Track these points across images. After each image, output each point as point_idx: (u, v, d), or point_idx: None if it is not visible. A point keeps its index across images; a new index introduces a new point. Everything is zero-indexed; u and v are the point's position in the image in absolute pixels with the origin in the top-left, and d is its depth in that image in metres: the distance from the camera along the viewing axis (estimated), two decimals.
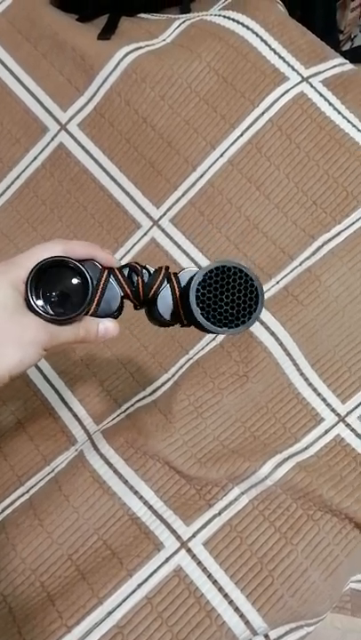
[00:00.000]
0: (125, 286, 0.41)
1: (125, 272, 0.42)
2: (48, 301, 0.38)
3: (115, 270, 0.41)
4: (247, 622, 0.52)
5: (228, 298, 0.38)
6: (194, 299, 0.37)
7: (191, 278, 0.40)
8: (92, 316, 0.40)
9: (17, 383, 0.68)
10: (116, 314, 0.43)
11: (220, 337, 0.66)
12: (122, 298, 0.41)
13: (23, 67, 0.76)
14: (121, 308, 0.43)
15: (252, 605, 0.53)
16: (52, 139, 0.75)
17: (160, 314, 0.42)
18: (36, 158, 0.75)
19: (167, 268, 0.42)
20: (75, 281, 0.39)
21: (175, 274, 0.42)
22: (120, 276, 0.41)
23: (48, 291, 0.38)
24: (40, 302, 0.37)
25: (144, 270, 0.42)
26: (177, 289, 0.41)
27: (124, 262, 0.71)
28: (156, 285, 0.41)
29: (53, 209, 0.75)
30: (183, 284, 0.41)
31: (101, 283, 0.40)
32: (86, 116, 0.74)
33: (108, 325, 0.41)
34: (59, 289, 0.38)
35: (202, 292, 0.37)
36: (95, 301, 0.40)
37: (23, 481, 0.62)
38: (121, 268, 0.42)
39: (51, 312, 0.37)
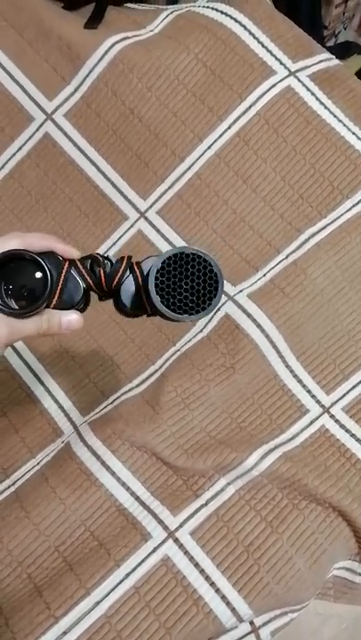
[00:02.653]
0: (87, 277, 0.40)
1: (87, 263, 0.41)
2: (7, 296, 0.37)
3: (76, 262, 0.41)
4: (233, 610, 0.53)
5: (187, 285, 0.37)
6: (153, 287, 0.37)
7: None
8: (55, 308, 0.40)
9: (2, 375, 0.68)
10: (81, 306, 0.42)
11: (207, 329, 0.66)
12: (84, 289, 0.41)
13: (8, 54, 0.74)
14: (87, 300, 0.43)
15: (239, 593, 0.53)
16: (38, 128, 0.74)
17: (123, 304, 0.41)
18: (21, 148, 0.74)
19: (130, 257, 0.42)
20: (34, 274, 0.38)
21: (138, 263, 0.42)
22: (81, 268, 0.40)
23: (7, 285, 0.37)
24: None
25: (106, 261, 0.41)
26: (140, 278, 0.41)
27: (110, 254, 0.71)
28: (118, 276, 0.41)
29: (39, 200, 0.74)
30: (146, 272, 0.41)
31: (62, 275, 0.39)
32: (72, 106, 0.73)
33: (71, 318, 0.41)
34: (18, 283, 0.38)
35: (161, 279, 0.37)
36: (57, 294, 0.40)
37: (9, 473, 0.61)
38: (82, 260, 0.41)
39: (11, 306, 0.37)
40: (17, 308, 0.37)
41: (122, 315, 0.46)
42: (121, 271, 0.41)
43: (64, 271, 0.39)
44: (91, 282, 0.40)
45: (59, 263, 0.40)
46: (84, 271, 0.40)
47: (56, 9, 0.76)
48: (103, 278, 0.41)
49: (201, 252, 0.37)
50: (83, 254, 0.42)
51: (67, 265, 0.40)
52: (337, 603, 0.65)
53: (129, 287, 0.41)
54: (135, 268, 0.41)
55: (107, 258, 0.42)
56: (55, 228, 0.73)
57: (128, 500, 0.57)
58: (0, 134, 0.75)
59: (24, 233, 0.38)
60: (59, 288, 0.39)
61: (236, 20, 0.70)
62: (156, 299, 0.36)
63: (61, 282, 0.39)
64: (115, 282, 0.41)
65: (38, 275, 0.38)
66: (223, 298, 0.66)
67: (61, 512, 0.56)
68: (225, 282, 0.38)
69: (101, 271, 0.41)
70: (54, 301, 0.39)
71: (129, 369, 0.67)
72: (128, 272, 0.41)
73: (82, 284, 0.40)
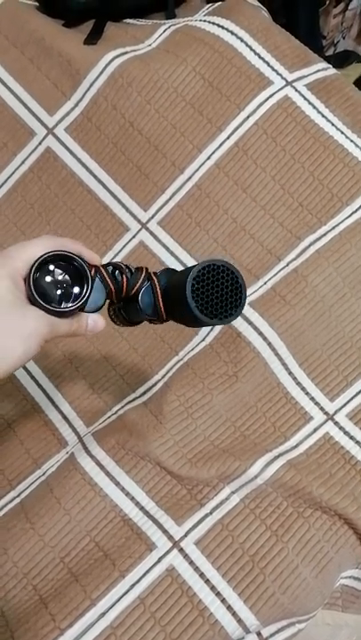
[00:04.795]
0: (110, 283, 0.43)
1: (110, 270, 0.43)
2: (46, 294, 0.39)
3: (100, 268, 0.42)
4: (240, 620, 0.52)
5: (217, 292, 0.40)
6: (190, 293, 0.39)
7: (169, 278, 0.43)
8: (80, 311, 0.42)
9: (7, 387, 0.68)
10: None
11: (209, 338, 0.66)
12: (107, 294, 0.43)
13: (10, 71, 0.76)
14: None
15: (245, 603, 0.53)
16: (40, 143, 0.75)
17: (141, 309, 0.44)
18: (23, 162, 0.76)
19: (147, 268, 0.45)
20: (69, 275, 0.40)
21: (155, 273, 0.44)
22: (105, 274, 0.42)
23: (45, 284, 0.39)
24: (40, 295, 0.38)
25: (127, 269, 0.44)
26: (158, 286, 0.43)
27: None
28: (139, 283, 0.43)
29: (41, 212, 0.75)
30: (164, 282, 0.44)
31: (90, 279, 0.41)
32: (73, 121, 0.74)
33: (96, 319, 0.43)
34: (55, 283, 0.40)
35: (196, 286, 0.40)
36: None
37: (14, 485, 0.62)
38: (105, 266, 0.43)
39: (54, 304, 0.39)
40: (59, 306, 0.39)
41: (117, 322, 0.49)
42: (141, 279, 0.44)
43: (91, 276, 0.42)
44: (113, 287, 0.43)
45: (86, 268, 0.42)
46: (107, 277, 0.42)
47: (56, 26, 0.78)
48: (125, 284, 0.43)
49: (229, 265, 0.41)
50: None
51: (93, 270, 0.42)
52: (345, 613, 0.64)
53: (147, 294, 0.44)
54: (153, 277, 0.44)
55: (127, 266, 0.44)
56: None
57: (133, 510, 0.57)
58: (3, 149, 0.76)
59: (57, 236, 0.40)
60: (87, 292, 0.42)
61: (232, 33, 0.71)
62: (192, 304, 0.39)
63: (90, 286, 0.42)
64: (135, 289, 0.43)
65: (76, 275, 0.40)
66: None
67: (66, 523, 0.56)
68: None
69: (124, 278, 0.43)
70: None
71: (132, 379, 0.68)
72: (147, 281, 0.44)
73: (105, 289, 0.43)
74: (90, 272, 0.40)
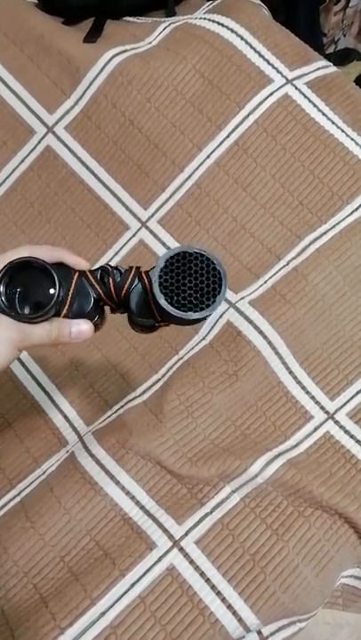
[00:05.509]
0: (97, 287, 0.41)
1: (98, 274, 0.42)
2: (17, 302, 0.38)
3: (86, 273, 0.41)
4: (240, 619, 0.52)
5: (190, 282, 0.37)
6: (157, 285, 0.37)
7: None
8: (65, 317, 0.41)
9: (7, 386, 0.68)
10: (97, 320, 0.43)
11: (210, 336, 0.66)
12: (95, 300, 0.41)
13: (9, 69, 0.76)
14: (102, 313, 0.44)
15: (245, 602, 0.53)
16: (40, 141, 0.75)
17: (133, 312, 0.42)
18: (23, 161, 0.75)
19: (138, 267, 0.42)
20: (44, 282, 0.39)
21: (146, 272, 0.42)
22: (91, 278, 0.41)
23: (17, 292, 0.39)
24: (8, 303, 0.38)
25: (115, 271, 0.42)
26: (148, 286, 0.41)
27: (113, 264, 0.72)
28: (127, 284, 0.41)
29: (41, 211, 0.75)
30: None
31: (72, 285, 0.40)
32: (73, 119, 0.74)
33: (81, 327, 0.41)
34: (30, 290, 0.39)
35: (164, 278, 0.37)
36: (67, 303, 0.40)
37: (14, 483, 0.62)
38: (93, 271, 0.42)
39: (19, 311, 0.38)
40: (26, 313, 0.38)
41: (135, 330, 0.47)
42: (129, 280, 0.41)
43: (74, 281, 0.40)
44: (101, 292, 0.41)
45: (68, 273, 0.41)
46: (93, 281, 0.41)
47: (56, 24, 0.78)
48: (112, 287, 0.41)
49: (203, 251, 0.37)
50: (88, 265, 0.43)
51: (76, 275, 0.41)
52: (346, 611, 0.64)
53: (138, 295, 0.41)
54: (143, 276, 0.42)
55: (116, 268, 0.42)
56: (58, 239, 0.74)
57: (133, 509, 0.57)
58: (2, 148, 0.76)
59: (34, 245, 0.40)
60: (69, 298, 0.40)
61: (232, 31, 0.71)
62: (160, 296, 0.36)
63: (71, 292, 0.40)
64: (123, 291, 0.41)
65: (47, 282, 0.39)
66: (225, 305, 0.66)
67: (66, 522, 0.56)
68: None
69: (111, 281, 0.41)
70: (64, 311, 0.40)
71: (132, 378, 0.68)
72: (137, 281, 0.41)
73: (92, 295, 0.41)
74: (56, 277, 0.38)
